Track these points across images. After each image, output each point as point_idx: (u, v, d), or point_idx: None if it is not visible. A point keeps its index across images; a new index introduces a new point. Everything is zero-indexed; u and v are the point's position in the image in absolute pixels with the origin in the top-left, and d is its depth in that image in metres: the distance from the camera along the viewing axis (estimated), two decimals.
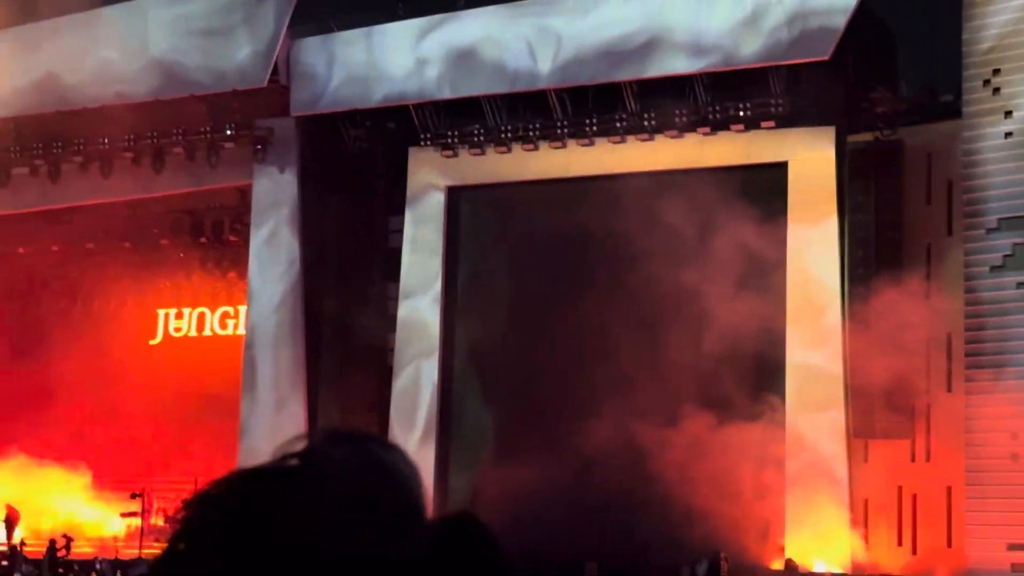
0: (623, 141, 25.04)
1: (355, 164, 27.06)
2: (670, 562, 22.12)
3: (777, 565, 22.53)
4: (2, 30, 28.33)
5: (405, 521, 1.18)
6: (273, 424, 26.61)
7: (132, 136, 27.99)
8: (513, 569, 1.21)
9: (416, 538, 1.17)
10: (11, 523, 29.41)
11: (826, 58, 22.60)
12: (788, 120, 23.67)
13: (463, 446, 25.80)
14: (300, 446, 1.20)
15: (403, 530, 1.17)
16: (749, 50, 23.34)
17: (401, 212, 26.68)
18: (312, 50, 26.61)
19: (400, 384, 25.92)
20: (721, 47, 23.52)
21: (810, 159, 23.71)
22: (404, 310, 26.20)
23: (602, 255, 24.32)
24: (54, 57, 27.86)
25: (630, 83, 24.67)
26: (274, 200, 27.30)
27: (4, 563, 20.68)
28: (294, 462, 1.18)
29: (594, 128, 25.16)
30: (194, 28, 26.90)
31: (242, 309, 31.22)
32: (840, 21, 22.48)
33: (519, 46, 24.97)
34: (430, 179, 26.51)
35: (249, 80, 26.49)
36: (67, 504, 31.17)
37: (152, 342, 33.91)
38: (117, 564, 22.12)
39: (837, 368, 22.74)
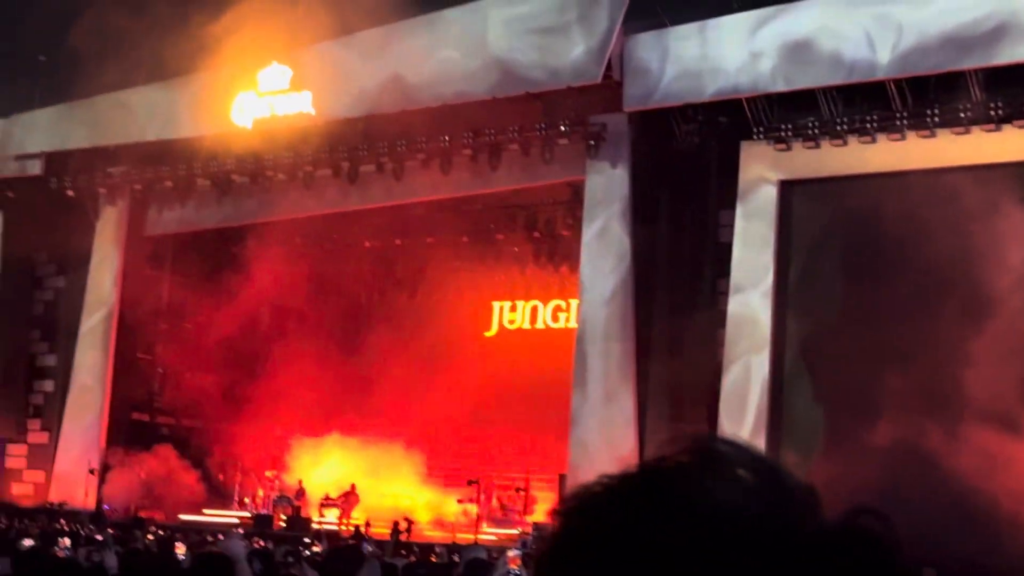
0: (967, 132, 23.99)
1: (686, 159, 27.00)
2: (1006, 568, 21.09)
3: None
4: (351, 35, 29.75)
5: (810, 502, 1.19)
6: (603, 417, 26.91)
7: (471, 133, 28.91)
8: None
9: (825, 517, 1.18)
10: (350, 505, 30.96)
11: None
12: None
13: (793, 443, 25.31)
14: (686, 445, 1.22)
15: (812, 508, 1.19)
16: None
17: (732, 207, 26.41)
18: (645, 45, 26.72)
19: (730, 379, 25.70)
20: None
21: None
22: (734, 305, 25.96)
23: (937, 252, 23.34)
24: (399, 58, 29.08)
25: (975, 71, 23.62)
26: (606, 195, 27.60)
27: (351, 541, 21.76)
28: (687, 456, 1.21)
29: (936, 119, 24.21)
30: (531, 27, 27.49)
31: (573, 303, 31.78)
32: None
33: (857, 36, 24.31)
34: (762, 173, 26.16)
35: (583, 76, 26.85)
36: (404, 488, 32.50)
37: (487, 334, 35.00)
38: (453, 548, 22.85)
39: None
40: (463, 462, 32.49)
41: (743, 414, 25.35)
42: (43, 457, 34.28)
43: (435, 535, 28.91)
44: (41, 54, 33.31)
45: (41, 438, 34.63)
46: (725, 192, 26.50)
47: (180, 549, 13.10)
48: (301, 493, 31.68)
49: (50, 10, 29.06)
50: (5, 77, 33.78)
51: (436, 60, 28.53)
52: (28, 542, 12.61)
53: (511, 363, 33.21)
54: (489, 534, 28.72)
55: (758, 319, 25.68)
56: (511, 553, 10.95)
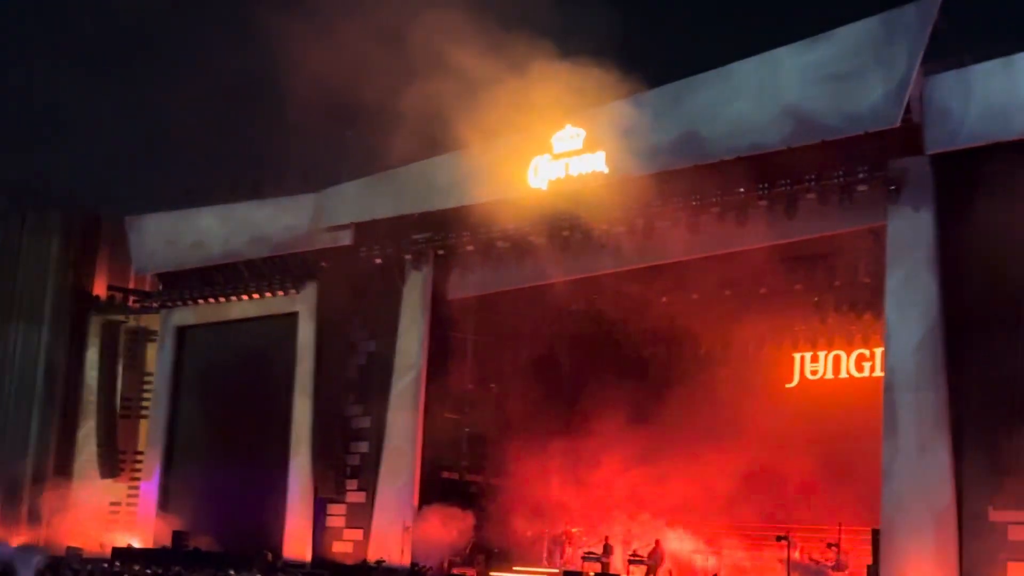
0: None
1: (997, 199, 25.88)
2: None
3: None
4: (642, 93, 30.05)
5: None
6: (916, 469, 25.97)
7: (766, 184, 28.65)
8: None
9: None
10: (657, 562, 30.84)
11: None
12: None
13: None
14: None
15: None
16: None
17: None
18: (946, 85, 25.88)
19: None
20: None
21: None
22: None
23: None
24: (691, 113, 29.15)
25: None
26: (911, 240, 26.80)
27: None
28: None
29: None
30: (825, 73, 27.00)
31: (878, 351, 30.91)
32: None
33: None
34: None
35: (882, 121, 26.16)
36: (708, 545, 32.11)
37: (788, 385, 34.43)
38: None
39: None
40: (768, 517, 31.92)
41: None
42: (361, 516, 35.67)
43: None
44: (348, 130, 35.08)
45: (359, 497, 36.07)
46: None
47: None
48: (609, 550, 31.79)
49: (353, 90, 30.43)
50: (316, 154, 35.75)
51: (729, 113, 28.44)
52: None
53: (814, 414, 32.58)
54: None
55: None
56: None
